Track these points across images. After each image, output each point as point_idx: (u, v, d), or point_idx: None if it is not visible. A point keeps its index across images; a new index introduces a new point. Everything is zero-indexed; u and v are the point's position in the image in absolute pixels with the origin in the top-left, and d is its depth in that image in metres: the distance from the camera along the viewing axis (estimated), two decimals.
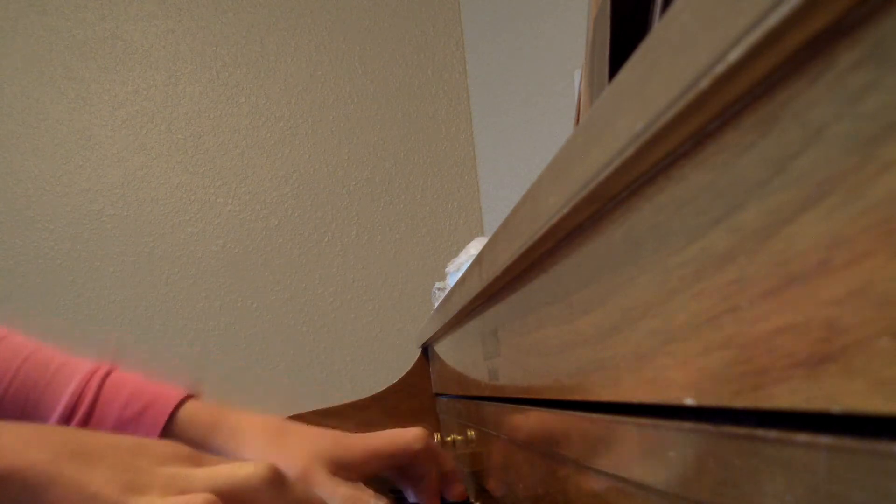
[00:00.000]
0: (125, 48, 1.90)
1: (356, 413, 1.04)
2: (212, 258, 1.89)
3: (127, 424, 0.59)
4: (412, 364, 1.05)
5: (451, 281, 1.09)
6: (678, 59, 0.17)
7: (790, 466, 0.16)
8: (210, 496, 0.36)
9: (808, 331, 0.15)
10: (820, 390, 0.14)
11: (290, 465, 0.54)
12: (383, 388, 1.05)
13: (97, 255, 1.86)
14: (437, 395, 1.00)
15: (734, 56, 0.14)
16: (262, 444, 0.58)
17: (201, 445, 0.59)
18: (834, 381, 0.14)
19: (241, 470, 0.39)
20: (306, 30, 1.95)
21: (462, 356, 0.68)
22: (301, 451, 0.56)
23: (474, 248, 1.06)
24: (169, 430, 0.59)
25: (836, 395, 0.14)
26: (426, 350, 1.04)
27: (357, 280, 1.92)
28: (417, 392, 1.04)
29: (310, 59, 1.95)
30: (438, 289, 1.20)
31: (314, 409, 1.07)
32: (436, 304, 1.02)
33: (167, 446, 0.40)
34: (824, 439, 0.15)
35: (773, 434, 0.17)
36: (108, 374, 0.61)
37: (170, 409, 0.59)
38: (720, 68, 0.15)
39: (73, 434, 0.39)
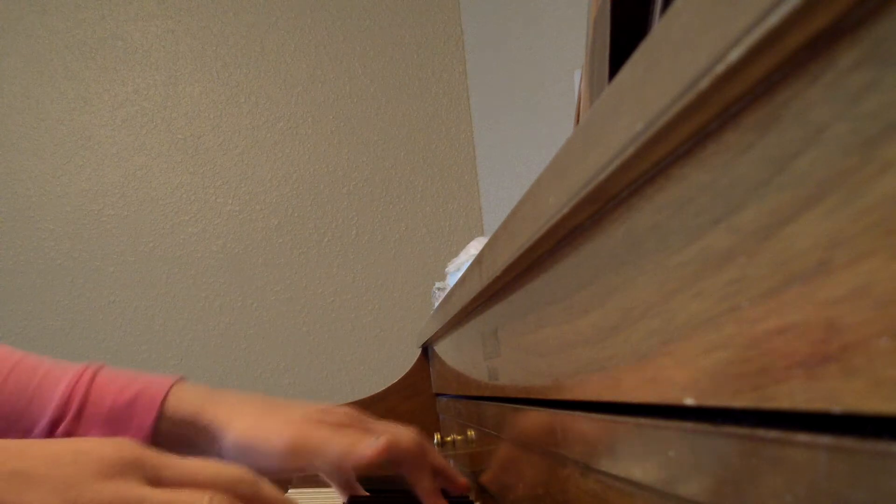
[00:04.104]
0: (125, 48, 1.90)
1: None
2: (212, 258, 1.89)
3: (121, 411, 0.59)
4: (412, 364, 1.05)
5: (451, 281, 1.09)
6: (678, 59, 0.17)
7: (790, 466, 0.16)
8: None
9: (808, 331, 0.15)
10: (820, 390, 0.14)
11: (283, 430, 0.57)
12: (383, 388, 1.05)
13: (97, 255, 1.86)
14: (437, 395, 1.00)
15: (734, 56, 0.14)
16: (255, 413, 0.59)
17: (194, 421, 0.60)
18: (834, 381, 0.14)
19: (183, 496, 0.37)
20: (306, 30, 1.95)
21: (462, 356, 0.68)
22: (292, 416, 0.58)
23: (474, 248, 1.06)
24: (163, 412, 0.60)
25: (836, 395, 0.14)
26: (426, 350, 1.04)
27: (357, 280, 1.92)
28: (417, 392, 1.04)
29: (310, 59, 1.95)
30: (438, 289, 1.20)
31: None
32: (436, 304, 1.02)
33: (111, 449, 0.38)
34: (824, 439, 0.15)
35: (773, 434, 0.17)
36: (98, 370, 0.62)
37: (163, 392, 0.60)
38: (720, 68, 0.15)
39: (11, 451, 0.37)
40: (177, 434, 0.60)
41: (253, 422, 0.58)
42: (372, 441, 0.56)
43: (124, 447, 0.38)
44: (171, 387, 0.61)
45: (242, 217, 1.90)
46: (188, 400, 0.61)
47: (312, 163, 1.93)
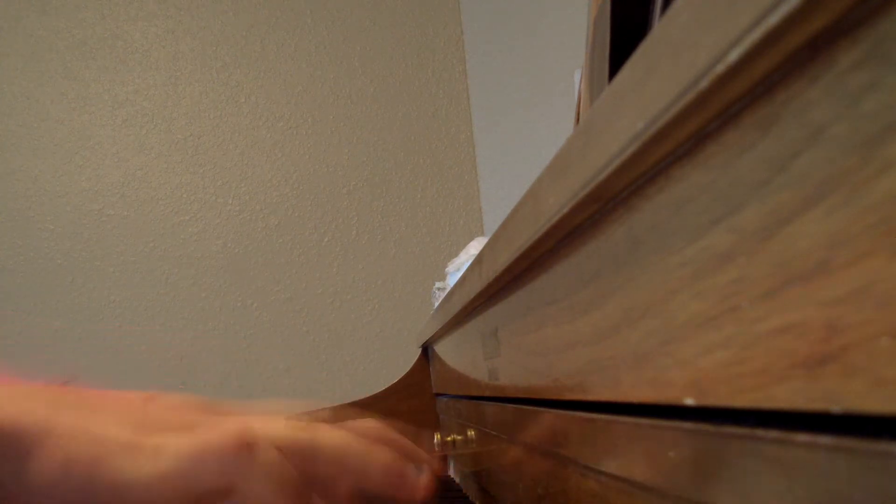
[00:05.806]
0: (125, 48, 1.90)
1: (356, 413, 1.04)
2: (212, 258, 1.89)
3: None
4: (412, 364, 1.05)
5: (451, 281, 1.09)
6: (678, 59, 0.17)
7: (790, 466, 0.16)
8: (243, 431, 0.33)
9: (808, 331, 0.15)
10: (820, 390, 0.14)
11: None
12: (383, 388, 1.05)
13: (97, 255, 1.86)
14: (437, 395, 1.00)
15: (734, 56, 0.14)
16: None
17: None
18: (834, 381, 0.14)
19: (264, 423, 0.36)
20: (306, 30, 1.95)
21: (462, 356, 0.68)
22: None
23: (474, 248, 1.07)
24: None
25: (836, 395, 0.14)
26: (426, 350, 1.04)
27: (357, 280, 1.92)
28: (417, 392, 1.04)
29: (310, 59, 1.95)
30: (438, 289, 1.20)
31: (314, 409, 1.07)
32: (436, 304, 1.02)
33: (178, 397, 0.37)
34: (824, 439, 0.15)
35: (773, 434, 0.17)
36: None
37: None
38: (720, 68, 0.15)
39: (71, 390, 0.35)
40: None
41: None
42: None
43: (193, 398, 0.39)
44: None
45: (242, 217, 1.90)
46: None
47: (312, 163, 1.93)
